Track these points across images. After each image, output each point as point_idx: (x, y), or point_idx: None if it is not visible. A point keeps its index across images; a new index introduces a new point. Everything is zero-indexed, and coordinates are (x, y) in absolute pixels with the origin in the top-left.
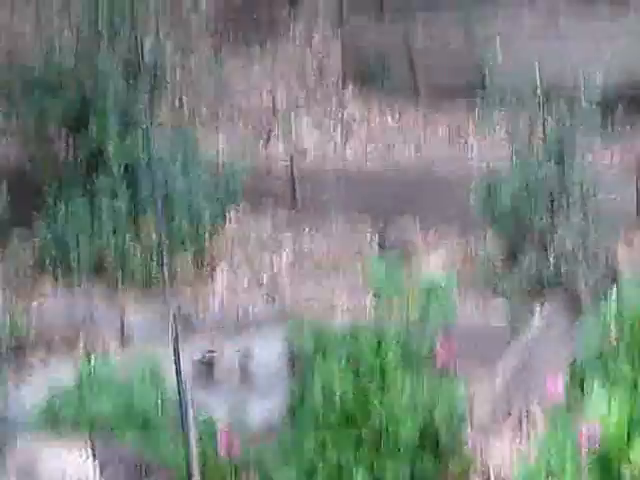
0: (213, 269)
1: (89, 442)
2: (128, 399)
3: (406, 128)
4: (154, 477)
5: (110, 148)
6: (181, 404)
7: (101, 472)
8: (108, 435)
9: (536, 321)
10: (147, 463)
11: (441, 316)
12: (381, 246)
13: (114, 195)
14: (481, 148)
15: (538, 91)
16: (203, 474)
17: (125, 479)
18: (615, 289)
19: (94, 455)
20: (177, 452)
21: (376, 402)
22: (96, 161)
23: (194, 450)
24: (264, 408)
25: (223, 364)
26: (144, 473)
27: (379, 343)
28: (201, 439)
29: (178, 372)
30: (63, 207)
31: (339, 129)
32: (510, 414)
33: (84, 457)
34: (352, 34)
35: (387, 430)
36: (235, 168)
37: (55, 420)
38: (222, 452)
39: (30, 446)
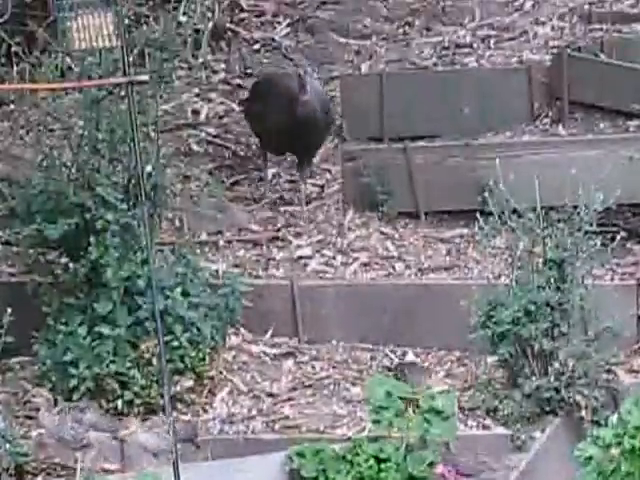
0: (213, 394)
1: None
2: None
3: (406, 250)
4: None
5: (109, 274)
6: None
7: None
8: None
9: (536, 444)
10: None
11: (441, 439)
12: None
13: (114, 320)
14: (481, 270)
15: (538, 210)
16: None
17: None
18: (616, 414)
19: None
20: None
21: None
22: (96, 286)
23: None
24: None
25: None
26: None
27: (379, 466)
28: None
29: None
30: (63, 332)
31: (339, 256)
32: None
33: None
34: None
35: None
36: (235, 288)
37: None
38: None
39: None
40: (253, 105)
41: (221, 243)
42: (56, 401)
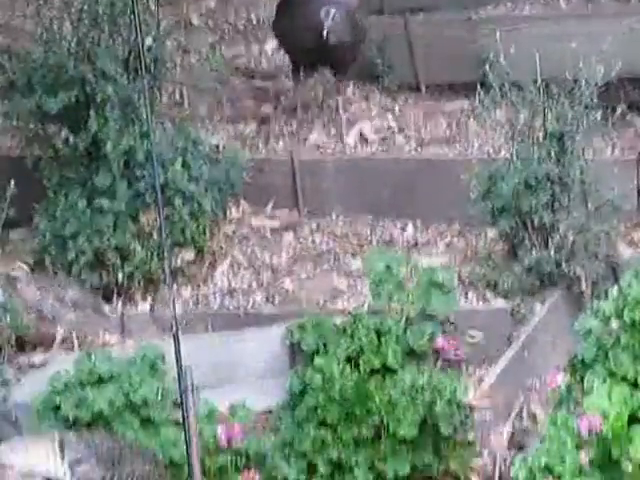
0: (214, 267)
1: (57, 441)
2: (128, 392)
3: (407, 123)
4: (131, 466)
5: (109, 147)
6: (181, 396)
7: (72, 471)
8: (80, 432)
9: (536, 317)
10: (122, 454)
11: (441, 312)
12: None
13: (114, 193)
14: (481, 143)
15: (538, 83)
16: (203, 466)
17: (99, 473)
18: (616, 286)
19: (62, 455)
20: (177, 444)
21: (376, 398)
22: (96, 159)
23: (195, 442)
24: (264, 403)
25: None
26: (118, 464)
27: (379, 339)
28: (201, 431)
29: (178, 365)
30: (62, 205)
31: (340, 129)
32: (510, 409)
33: (52, 455)
34: None
35: (387, 426)
36: (235, 160)
37: (54, 416)
38: (222, 444)
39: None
40: (280, 22)
41: (221, 117)
42: (56, 274)
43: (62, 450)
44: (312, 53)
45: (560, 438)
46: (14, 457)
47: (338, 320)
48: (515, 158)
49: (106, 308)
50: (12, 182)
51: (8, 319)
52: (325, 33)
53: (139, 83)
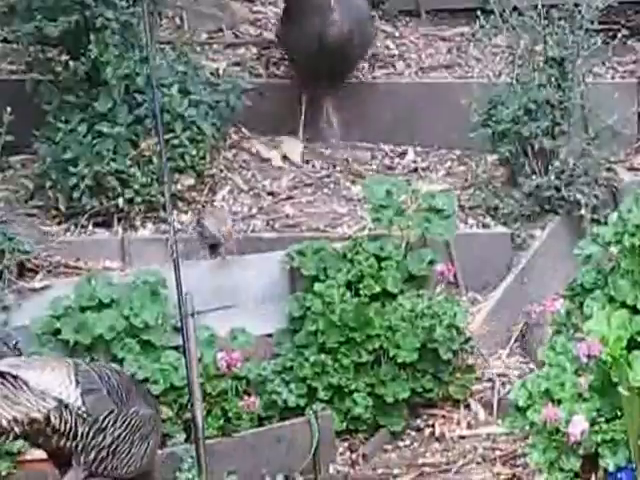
0: (214, 192)
1: (72, 367)
2: (128, 317)
3: (407, 49)
4: (136, 406)
5: (109, 71)
6: (182, 321)
7: (83, 398)
8: (100, 360)
9: (536, 242)
10: (130, 392)
11: (441, 237)
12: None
13: (114, 118)
14: (482, 69)
15: (539, 8)
16: (204, 391)
17: (108, 405)
18: (615, 212)
19: (76, 381)
20: (178, 369)
21: (376, 324)
22: (96, 83)
23: (195, 367)
24: (264, 328)
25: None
26: (125, 398)
27: (379, 264)
28: (201, 356)
29: (179, 291)
30: (62, 130)
31: None
32: (510, 334)
33: (67, 380)
34: None
35: (387, 351)
36: (235, 85)
37: (54, 340)
38: (222, 369)
39: (15, 365)
40: (284, 27)
41: (222, 41)
42: (57, 199)
43: (76, 377)
44: (313, 60)
45: (559, 363)
46: (30, 374)
47: (338, 245)
48: (515, 83)
49: (106, 233)
50: (9, 107)
51: (8, 244)
52: (328, 34)
53: (139, 8)
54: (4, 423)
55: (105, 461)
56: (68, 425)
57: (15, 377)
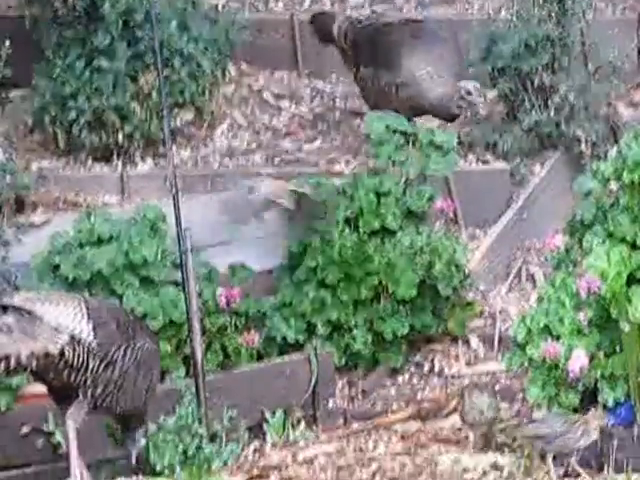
0: (213, 128)
1: (83, 302)
2: (127, 253)
3: None
4: (142, 339)
5: (107, 6)
6: (181, 257)
7: (95, 332)
8: (100, 296)
9: (536, 178)
10: (135, 327)
11: (440, 173)
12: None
13: (113, 53)
14: (482, 3)
15: None
16: (203, 326)
17: (117, 339)
18: (615, 148)
19: (88, 315)
20: (177, 304)
21: (375, 260)
22: (95, 19)
23: (194, 303)
24: (263, 264)
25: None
26: (132, 333)
27: (379, 200)
28: (201, 292)
29: (178, 226)
30: (61, 65)
31: None
32: (509, 270)
33: (79, 314)
34: None
35: (386, 287)
36: (235, 21)
37: (53, 276)
38: (222, 305)
39: (29, 299)
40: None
41: None
42: (55, 134)
43: (88, 312)
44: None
45: (559, 299)
46: (44, 308)
47: (337, 181)
48: (515, 19)
49: (105, 169)
50: (7, 41)
51: (8, 179)
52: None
53: None
54: (23, 359)
55: (111, 395)
56: (80, 359)
57: (30, 312)
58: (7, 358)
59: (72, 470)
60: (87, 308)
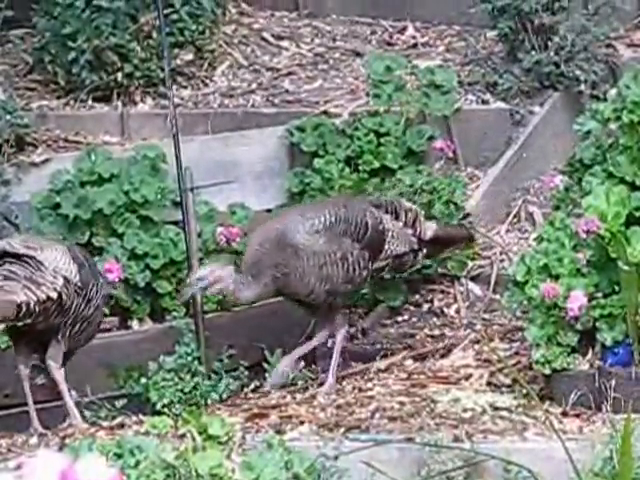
0: (213, 68)
1: (66, 246)
2: (128, 192)
3: None
4: (100, 277)
5: None
6: (181, 196)
7: (79, 273)
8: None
9: (535, 118)
10: (94, 262)
11: (440, 113)
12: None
13: None
14: None
15: None
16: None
17: (91, 278)
18: (615, 88)
19: (72, 258)
20: (177, 244)
21: None
22: None
23: (194, 242)
24: (264, 204)
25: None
26: (97, 272)
27: (379, 140)
28: (201, 232)
29: (178, 166)
30: (61, 4)
31: None
32: (509, 209)
33: (68, 258)
34: None
35: None
36: None
37: (54, 215)
38: (222, 244)
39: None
40: None
41: None
42: (55, 73)
43: (71, 254)
44: None
45: (558, 239)
46: (43, 254)
47: (338, 121)
48: None
49: (106, 108)
50: None
51: (8, 118)
52: None
53: None
54: (33, 306)
55: (83, 332)
56: (70, 300)
57: (32, 258)
58: (19, 306)
59: (70, 411)
60: (72, 253)
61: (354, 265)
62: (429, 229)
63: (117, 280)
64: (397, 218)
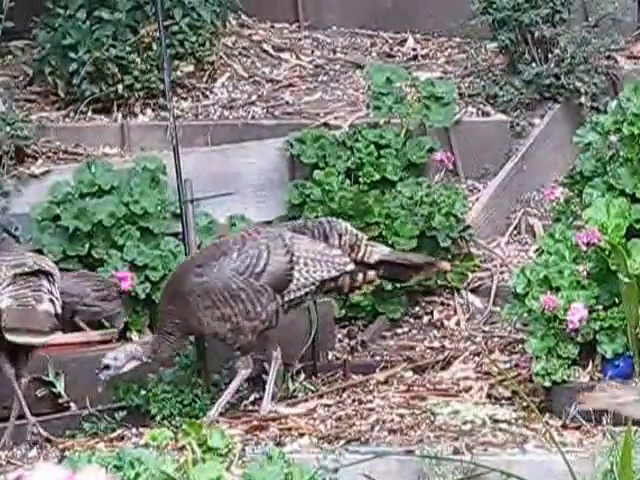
0: (213, 79)
1: None
2: (128, 204)
3: None
4: None
5: None
6: (181, 208)
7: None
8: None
9: (536, 130)
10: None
11: (440, 124)
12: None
13: (114, 4)
14: None
15: None
16: None
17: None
18: (615, 100)
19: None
20: (177, 256)
21: (375, 211)
22: None
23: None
24: (263, 216)
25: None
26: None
27: (379, 152)
28: (200, 243)
29: (178, 177)
30: (62, 16)
31: None
32: (509, 222)
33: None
34: None
35: (386, 239)
36: None
37: (54, 227)
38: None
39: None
40: None
41: None
42: (55, 84)
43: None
44: None
45: (558, 251)
46: (51, 267)
47: (338, 133)
48: None
49: (105, 120)
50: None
51: (8, 130)
52: None
53: None
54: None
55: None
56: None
57: (50, 274)
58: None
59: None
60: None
61: (253, 302)
62: (377, 253)
63: (130, 288)
64: (327, 241)
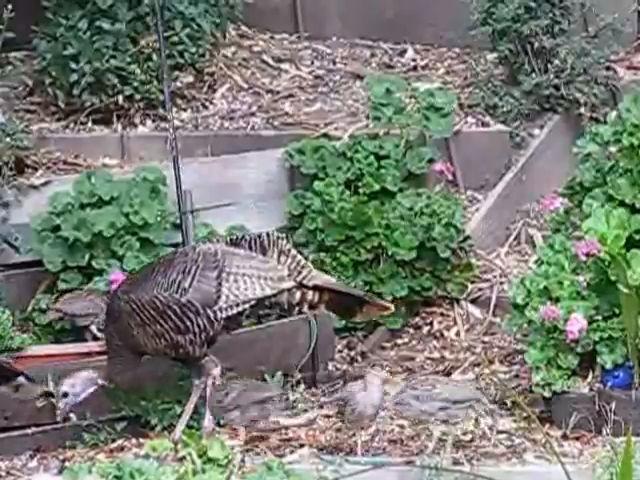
0: (213, 90)
1: None
2: (128, 214)
3: None
4: None
5: None
6: (181, 219)
7: None
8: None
9: (535, 141)
10: None
11: (440, 135)
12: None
13: (114, 14)
14: None
15: None
16: None
17: None
18: (615, 111)
19: None
20: None
21: (375, 222)
22: None
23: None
24: (263, 226)
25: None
26: None
27: (378, 163)
28: None
29: (178, 188)
30: (62, 26)
31: None
32: (508, 232)
33: None
34: None
35: (386, 250)
36: None
37: (54, 237)
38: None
39: None
40: None
41: None
42: (55, 94)
43: None
44: None
45: (558, 262)
46: None
47: (338, 143)
48: None
49: (105, 130)
50: (10, 3)
51: (8, 140)
52: None
53: None
54: None
55: None
56: None
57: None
58: None
59: None
60: None
61: (180, 317)
62: (316, 278)
63: None
64: (264, 254)
